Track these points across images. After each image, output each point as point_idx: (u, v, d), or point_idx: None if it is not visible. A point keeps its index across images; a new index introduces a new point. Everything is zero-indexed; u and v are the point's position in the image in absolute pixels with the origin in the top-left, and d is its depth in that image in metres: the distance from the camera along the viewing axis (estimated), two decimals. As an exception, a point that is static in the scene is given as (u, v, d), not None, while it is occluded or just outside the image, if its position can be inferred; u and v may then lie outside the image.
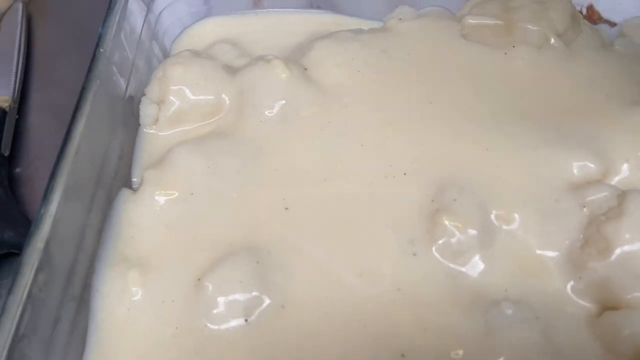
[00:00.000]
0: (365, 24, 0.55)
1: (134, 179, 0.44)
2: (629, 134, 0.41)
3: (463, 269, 0.37)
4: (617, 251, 0.35)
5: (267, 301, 0.36)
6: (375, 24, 0.54)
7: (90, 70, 0.41)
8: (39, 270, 0.31)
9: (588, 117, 0.43)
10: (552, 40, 0.47)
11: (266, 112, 0.45)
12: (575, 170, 0.39)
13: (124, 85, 0.46)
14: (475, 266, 0.37)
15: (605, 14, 0.58)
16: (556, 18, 0.48)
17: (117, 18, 0.45)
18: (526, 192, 0.39)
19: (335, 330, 0.35)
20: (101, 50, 0.42)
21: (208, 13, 0.58)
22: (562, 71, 0.45)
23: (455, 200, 0.39)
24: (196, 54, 0.49)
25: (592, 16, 0.58)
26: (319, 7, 0.58)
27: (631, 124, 0.41)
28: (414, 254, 0.37)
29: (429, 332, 0.35)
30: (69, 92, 0.43)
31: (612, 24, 0.55)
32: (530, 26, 0.47)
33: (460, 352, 0.34)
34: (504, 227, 0.38)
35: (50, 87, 0.62)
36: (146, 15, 0.51)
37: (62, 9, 0.69)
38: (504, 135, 0.42)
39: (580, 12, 0.57)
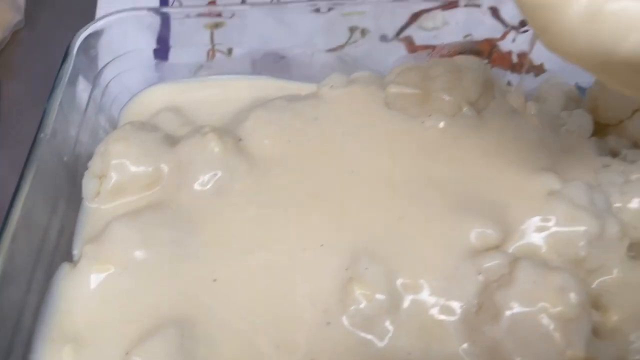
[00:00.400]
0: (303, 88, 0.59)
1: (74, 252, 0.47)
2: (527, 200, 0.45)
3: (370, 336, 0.41)
4: (506, 316, 0.38)
5: (190, 373, 0.39)
6: (313, 87, 0.58)
7: (31, 153, 0.44)
8: (-28, 355, 0.34)
9: (493, 184, 0.46)
10: (465, 109, 0.51)
11: (201, 185, 0.49)
12: (474, 238, 0.43)
13: (67, 162, 0.49)
14: (383, 332, 0.41)
15: (536, 60, 0.62)
16: (469, 87, 0.52)
17: (60, 99, 0.48)
18: (431, 259, 0.42)
19: None
20: (42, 135, 0.45)
21: (159, 80, 0.61)
22: (473, 138, 0.49)
23: (366, 269, 0.42)
24: (139, 126, 0.53)
25: (523, 63, 0.63)
26: (259, 74, 0.62)
27: (530, 191, 0.45)
28: (328, 323, 0.41)
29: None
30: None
31: (541, 70, 0.59)
32: (444, 96, 0.51)
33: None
34: (410, 294, 0.41)
35: (14, 144, 0.65)
36: (92, 91, 0.54)
37: (26, 65, 0.73)
38: (416, 203, 0.46)
39: (511, 58, 0.61)
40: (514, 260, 0.41)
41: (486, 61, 0.59)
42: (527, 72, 0.62)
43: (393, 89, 0.54)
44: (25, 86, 0.70)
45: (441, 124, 0.50)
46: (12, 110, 0.68)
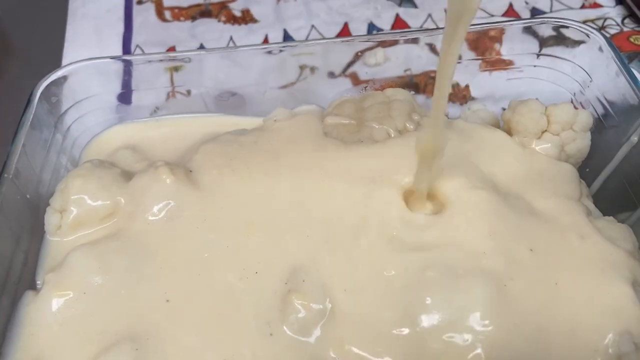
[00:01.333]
0: (251, 122, 0.64)
1: (38, 282, 0.51)
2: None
3: (310, 340, 0.45)
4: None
5: (142, 388, 0.43)
6: (260, 121, 0.64)
7: (-7, 193, 0.49)
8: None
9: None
10: (392, 135, 0.57)
11: (154, 214, 0.53)
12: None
13: (29, 199, 0.53)
14: (322, 337, 0.45)
15: (473, 92, 0.69)
16: (396, 116, 0.58)
17: (23, 143, 0.53)
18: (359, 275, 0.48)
19: None
20: (5, 175, 0.50)
21: (120, 120, 0.66)
22: (392, 161, 0.54)
23: (303, 281, 0.47)
24: (97, 164, 0.57)
25: (457, 94, 0.70)
26: (209, 111, 0.67)
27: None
28: (271, 334, 0.45)
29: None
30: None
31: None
32: (374, 125, 0.57)
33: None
34: (342, 302, 0.46)
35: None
36: (53, 134, 0.59)
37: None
38: (346, 225, 0.51)
39: (457, 89, 0.68)
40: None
41: (414, 93, 0.65)
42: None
43: (330, 120, 0.59)
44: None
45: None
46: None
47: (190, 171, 0.56)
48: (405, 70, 0.68)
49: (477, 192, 0.51)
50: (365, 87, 0.68)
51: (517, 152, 0.56)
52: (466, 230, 0.49)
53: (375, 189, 0.52)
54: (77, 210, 0.53)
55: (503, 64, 0.68)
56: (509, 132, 0.59)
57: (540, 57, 0.65)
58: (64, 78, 0.61)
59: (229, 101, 0.68)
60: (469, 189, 0.51)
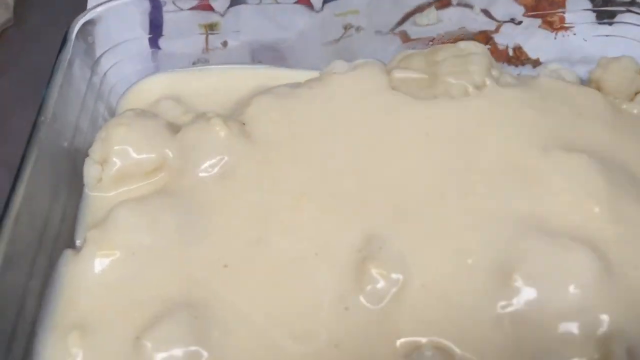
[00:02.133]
0: (305, 76, 0.58)
1: (77, 241, 0.45)
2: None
3: (390, 314, 0.40)
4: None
5: (205, 355, 0.38)
6: (315, 75, 0.58)
7: (31, 137, 0.43)
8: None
9: (503, 166, 0.46)
10: (471, 91, 0.51)
11: (206, 170, 0.47)
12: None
13: (67, 148, 0.48)
14: (401, 310, 0.40)
15: (531, 54, 0.63)
16: (474, 71, 0.51)
17: (60, 84, 0.47)
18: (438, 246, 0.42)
19: None
20: (42, 118, 0.44)
21: (156, 69, 0.60)
22: (478, 120, 0.49)
23: (380, 248, 0.42)
24: (140, 113, 0.51)
25: (519, 57, 0.63)
26: (260, 62, 0.61)
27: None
28: (346, 308, 0.40)
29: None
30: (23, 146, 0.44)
31: (537, 63, 0.60)
32: (450, 79, 0.51)
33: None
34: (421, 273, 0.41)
35: (5, 141, 0.63)
36: (90, 78, 0.53)
37: (15, 62, 0.71)
38: (431, 184, 0.45)
39: (507, 52, 0.61)
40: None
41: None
42: (523, 64, 0.62)
43: (398, 74, 0.53)
44: (14, 84, 0.69)
45: (447, 107, 0.50)
46: (1, 109, 0.66)
47: (244, 124, 0.50)
48: (460, 28, 0.62)
49: (574, 155, 0.45)
50: (431, 42, 0.61)
51: (612, 113, 0.50)
52: (564, 194, 0.43)
53: (459, 150, 0.46)
54: (121, 163, 0.47)
55: (564, 26, 0.61)
56: (598, 93, 0.53)
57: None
58: (99, 18, 0.55)
59: (271, 54, 0.62)
60: (565, 152, 0.45)
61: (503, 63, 0.62)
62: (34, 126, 0.43)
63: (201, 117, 0.51)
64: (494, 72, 0.53)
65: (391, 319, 0.39)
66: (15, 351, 0.36)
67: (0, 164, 0.61)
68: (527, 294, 0.39)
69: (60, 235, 0.44)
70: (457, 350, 0.38)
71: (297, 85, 0.55)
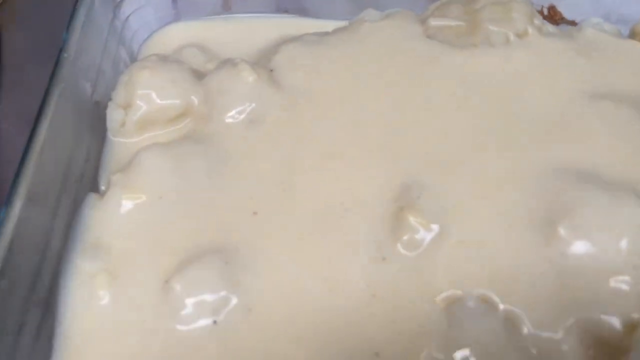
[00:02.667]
0: (331, 26, 0.56)
1: (101, 186, 0.44)
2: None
3: (429, 264, 0.38)
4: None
5: (234, 301, 0.36)
6: (343, 24, 0.55)
7: (53, 74, 0.41)
8: (1, 276, 0.31)
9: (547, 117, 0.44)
10: (512, 40, 0.48)
11: (234, 117, 0.45)
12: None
13: (90, 90, 0.46)
14: (440, 261, 0.38)
15: (566, 14, 0.59)
16: (516, 18, 0.49)
17: (82, 23, 0.45)
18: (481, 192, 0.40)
19: (303, 337, 0.35)
20: (65, 55, 0.42)
21: (176, 17, 0.58)
22: (521, 69, 0.46)
23: (418, 197, 0.40)
24: (164, 58, 0.49)
25: (553, 16, 0.60)
26: (286, 12, 0.58)
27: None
28: (384, 258, 0.38)
29: (403, 335, 0.36)
30: (40, 98, 0.43)
31: (573, 24, 0.57)
32: (491, 27, 0.48)
33: (432, 345, 0.35)
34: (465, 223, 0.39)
35: (21, 92, 0.62)
36: (112, 21, 0.51)
37: (31, 16, 0.69)
38: (471, 133, 0.43)
39: (542, 12, 0.58)
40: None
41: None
42: (558, 24, 0.59)
43: (435, 22, 0.51)
44: (28, 36, 0.67)
45: (488, 55, 0.47)
46: (16, 61, 0.65)
47: (271, 70, 0.48)
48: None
49: (623, 107, 0.43)
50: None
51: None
52: (613, 147, 0.41)
53: (500, 100, 0.44)
54: (145, 107, 0.45)
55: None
56: None
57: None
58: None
59: (294, 6, 0.59)
60: (613, 103, 0.43)
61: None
62: (57, 63, 0.41)
63: (227, 62, 0.48)
64: (536, 21, 0.50)
65: (430, 269, 0.38)
66: (40, 290, 0.35)
67: (16, 115, 0.60)
68: (575, 246, 0.37)
69: (84, 178, 0.42)
70: (501, 303, 0.36)
71: (325, 34, 0.53)
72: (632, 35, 0.53)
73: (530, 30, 0.49)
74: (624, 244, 0.36)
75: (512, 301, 0.36)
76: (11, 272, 0.32)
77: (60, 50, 0.42)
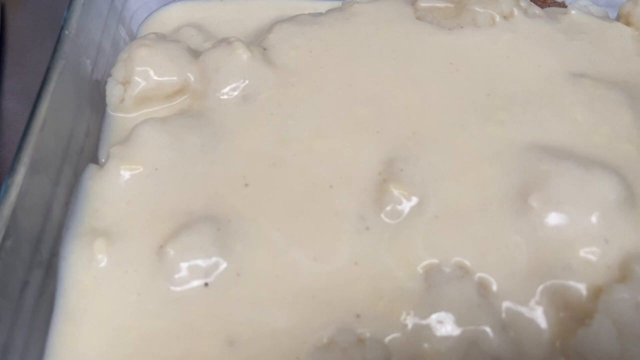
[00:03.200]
0: (327, 5, 0.57)
1: (101, 158, 0.46)
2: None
3: (409, 233, 0.40)
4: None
5: (225, 266, 0.38)
6: (337, 4, 0.57)
7: (55, 50, 0.43)
8: (6, 236, 0.33)
9: (527, 95, 0.45)
10: (498, 21, 0.49)
11: (228, 93, 0.47)
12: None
13: (90, 67, 0.48)
14: (419, 230, 0.40)
15: None
16: (502, 0, 0.50)
17: (82, 2, 0.47)
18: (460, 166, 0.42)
19: (287, 299, 0.37)
20: (66, 32, 0.44)
21: (175, -2, 0.60)
22: (505, 50, 0.48)
23: (401, 170, 0.42)
24: (162, 37, 0.51)
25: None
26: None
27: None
28: (367, 228, 0.40)
29: (383, 299, 0.38)
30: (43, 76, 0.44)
31: (563, 5, 0.58)
32: (477, 8, 0.50)
33: (411, 311, 0.37)
34: (444, 195, 0.41)
35: (24, 72, 0.63)
36: (112, 1, 0.52)
37: (35, -2, 0.71)
38: (451, 112, 0.45)
39: None
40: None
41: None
42: (549, 6, 0.60)
43: (424, 3, 0.52)
44: (32, 16, 0.69)
45: (473, 36, 0.49)
46: (19, 40, 0.66)
47: (265, 49, 0.50)
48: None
49: (601, 86, 0.45)
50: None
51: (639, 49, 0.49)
52: (590, 124, 0.43)
53: (483, 79, 0.46)
54: (143, 83, 0.47)
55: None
56: (629, 25, 0.52)
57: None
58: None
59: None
60: (593, 82, 0.45)
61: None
62: (58, 40, 0.43)
63: (223, 41, 0.50)
64: (522, 3, 0.52)
65: (410, 238, 0.40)
66: (43, 252, 0.37)
67: (19, 93, 0.62)
68: (546, 218, 0.39)
69: (85, 150, 0.44)
70: (475, 270, 0.38)
71: (319, 14, 0.54)
72: (618, 17, 0.54)
73: (516, 11, 0.50)
74: (595, 217, 0.38)
75: (485, 269, 0.38)
76: (15, 233, 0.34)
77: (62, 28, 0.44)
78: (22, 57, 0.65)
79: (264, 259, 0.39)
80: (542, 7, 0.60)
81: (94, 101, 0.47)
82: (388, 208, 0.40)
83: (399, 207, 0.40)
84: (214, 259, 0.38)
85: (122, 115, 0.48)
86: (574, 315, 0.36)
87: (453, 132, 0.44)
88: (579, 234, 0.38)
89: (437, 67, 0.48)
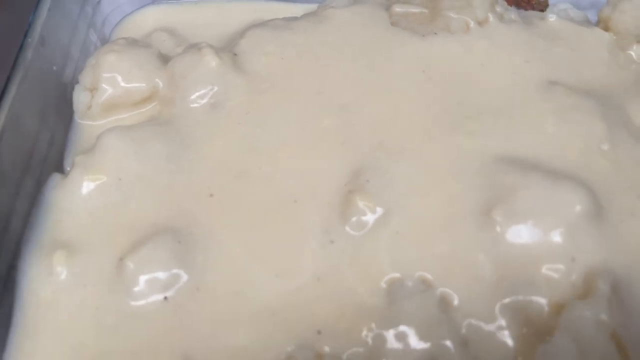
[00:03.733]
0: (302, 9, 0.57)
1: (66, 167, 0.45)
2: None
3: (373, 246, 0.39)
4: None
5: (185, 279, 0.38)
6: (313, 8, 0.56)
7: (16, 59, 0.42)
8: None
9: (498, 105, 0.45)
10: (472, 27, 0.49)
11: (196, 100, 0.47)
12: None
13: (56, 74, 0.47)
14: (383, 243, 0.39)
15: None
16: (477, 6, 0.49)
17: (48, 7, 0.46)
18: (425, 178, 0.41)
19: (247, 316, 0.37)
20: (29, 39, 0.43)
21: (151, 1, 0.59)
22: (478, 58, 0.47)
23: (367, 181, 0.41)
24: (132, 42, 0.50)
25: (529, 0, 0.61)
26: (251, -2, 0.59)
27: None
28: (332, 242, 0.39)
29: (345, 314, 0.37)
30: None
31: (545, 4, 0.57)
32: (451, 14, 0.49)
33: (372, 326, 0.37)
34: (410, 204, 0.40)
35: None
36: (83, 5, 0.52)
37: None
38: (418, 121, 0.44)
39: None
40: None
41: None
42: (533, 8, 0.59)
43: (398, 8, 0.51)
44: (13, 20, 0.68)
45: (446, 42, 0.48)
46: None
47: (235, 55, 0.49)
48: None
49: (573, 95, 0.44)
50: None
51: (616, 57, 0.48)
52: (560, 135, 0.42)
53: (454, 88, 0.45)
54: (111, 90, 0.47)
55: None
56: (607, 30, 0.51)
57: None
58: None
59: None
60: (565, 90, 0.44)
61: (511, 7, 0.59)
62: (21, 47, 0.43)
63: (192, 46, 0.49)
64: (498, 8, 0.51)
65: (374, 251, 0.39)
66: (0, 266, 0.37)
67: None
68: (510, 233, 0.38)
69: (48, 159, 0.44)
70: (438, 285, 0.37)
71: (293, 19, 0.54)
72: (598, 21, 0.53)
73: (491, 17, 0.49)
74: (561, 233, 0.37)
75: (448, 284, 0.37)
76: (-32, 249, 0.33)
77: (25, 34, 0.43)
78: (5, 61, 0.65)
79: (225, 274, 0.39)
80: (525, 8, 0.59)
81: (61, 108, 0.47)
82: (353, 219, 0.40)
83: (364, 219, 0.40)
84: (174, 271, 0.38)
85: (89, 123, 0.48)
86: (536, 331, 0.35)
87: (420, 144, 0.43)
88: (543, 250, 0.37)
89: (409, 75, 0.47)
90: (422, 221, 0.39)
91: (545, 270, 0.37)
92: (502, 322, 0.36)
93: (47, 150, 0.44)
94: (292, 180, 0.43)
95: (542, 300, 0.36)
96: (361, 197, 0.40)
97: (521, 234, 0.38)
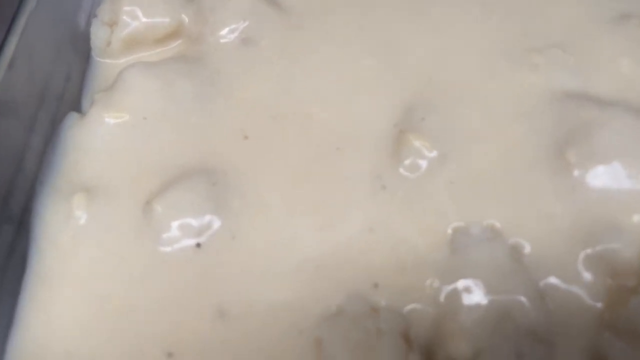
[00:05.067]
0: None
1: (84, 108, 0.41)
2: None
3: (431, 191, 0.35)
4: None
5: (218, 224, 0.34)
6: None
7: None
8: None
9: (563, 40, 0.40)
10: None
11: (227, 36, 0.42)
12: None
13: (72, 4, 0.42)
14: (442, 188, 0.35)
15: None
16: None
17: None
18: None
19: (289, 271, 0.32)
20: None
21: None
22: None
23: (423, 119, 0.36)
24: (153, -26, 0.46)
25: None
26: None
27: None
28: (383, 187, 0.35)
29: (403, 266, 0.33)
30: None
31: None
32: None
33: (434, 275, 0.32)
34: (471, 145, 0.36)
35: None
36: None
37: None
38: (471, 61, 0.40)
39: None
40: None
41: None
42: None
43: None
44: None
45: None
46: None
47: (268, -13, 0.44)
48: None
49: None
50: None
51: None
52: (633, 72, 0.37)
53: (516, 22, 0.40)
54: (132, 25, 0.42)
55: None
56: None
57: None
58: None
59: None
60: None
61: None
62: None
63: (222, -22, 0.45)
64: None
65: (432, 196, 0.35)
66: (13, 207, 0.33)
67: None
68: (589, 175, 0.33)
69: (65, 96, 0.39)
70: (508, 235, 0.33)
71: (329, -46, 0.48)
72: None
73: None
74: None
75: (519, 234, 0.33)
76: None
77: (38, -41, 0.39)
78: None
79: (263, 222, 0.34)
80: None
81: (77, 44, 0.42)
82: (407, 162, 0.35)
83: (420, 161, 0.35)
84: (207, 217, 0.34)
85: (109, 61, 0.43)
86: (626, 283, 0.30)
87: (479, 80, 0.39)
88: (632, 194, 0.33)
89: (467, 8, 0.42)
90: (485, 166, 0.35)
91: (635, 216, 0.32)
92: (585, 273, 0.31)
93: (64, 87, 0.40)
94: (334, 123, 0.38)
95: (632, 249, 0.31)
96: (416, 137, 0.36)
97: (603, 177, 0.33)
